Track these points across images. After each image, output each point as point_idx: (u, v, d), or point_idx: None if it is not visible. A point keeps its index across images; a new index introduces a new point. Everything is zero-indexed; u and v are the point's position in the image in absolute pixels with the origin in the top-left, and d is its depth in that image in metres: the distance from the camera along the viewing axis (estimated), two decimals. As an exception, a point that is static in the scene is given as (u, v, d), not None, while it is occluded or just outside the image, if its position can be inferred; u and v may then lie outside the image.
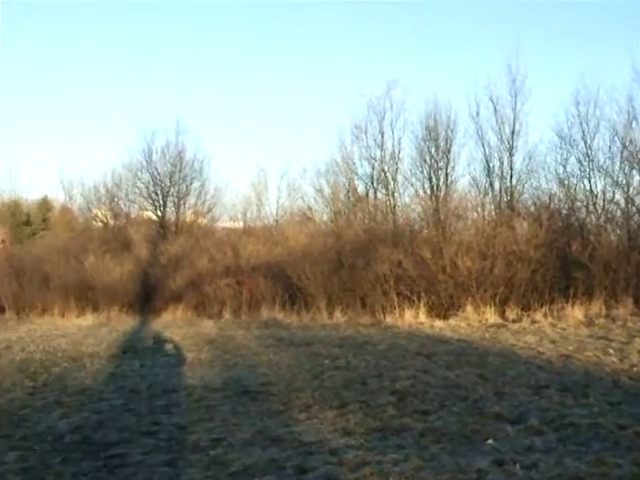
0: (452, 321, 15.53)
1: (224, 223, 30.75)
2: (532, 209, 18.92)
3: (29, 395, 8.42)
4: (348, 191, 26.23)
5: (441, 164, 24.04)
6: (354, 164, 25.93)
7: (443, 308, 16.42)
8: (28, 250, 28.45)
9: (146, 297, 20.45)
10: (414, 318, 16.08)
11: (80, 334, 15.08)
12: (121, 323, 17.85)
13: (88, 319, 19.05)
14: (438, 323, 15.39)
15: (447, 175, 23.95)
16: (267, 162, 45.45)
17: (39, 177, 65.71)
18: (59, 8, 48.37)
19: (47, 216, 42.62)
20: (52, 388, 8.83)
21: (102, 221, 30.58)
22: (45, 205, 43.93)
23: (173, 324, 17.13)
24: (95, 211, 31.58)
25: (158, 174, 28.85)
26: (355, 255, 18.14)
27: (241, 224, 30.65)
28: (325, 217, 26.44)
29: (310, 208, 27.38)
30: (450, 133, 24.11)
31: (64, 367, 10.46)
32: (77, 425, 6.70)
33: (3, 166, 56.73)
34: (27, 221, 42.43)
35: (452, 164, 23.97)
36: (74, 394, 8.36)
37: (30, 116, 56.21)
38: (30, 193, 43.43)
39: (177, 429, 6.46)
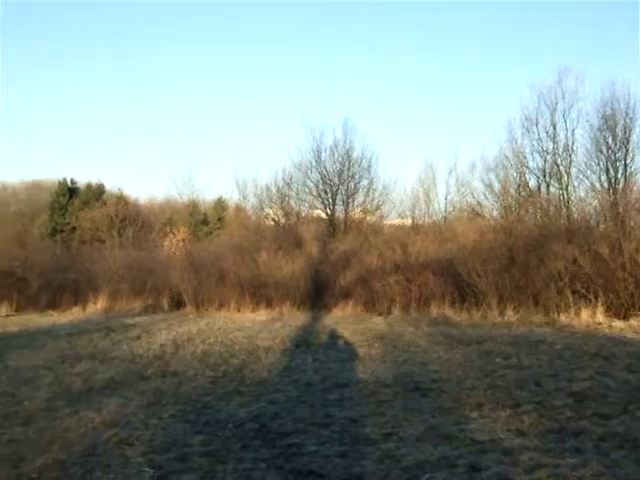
0: (633, 322, 14.69)
1: (392, 220, 30.86)
2: None
3: (210, 384, 8.88)
4: (519, 186, 25.58)
5: (619, 155, 22.88)
6: (525, 158, 25.30)
7: (623, 308, 15.55)
8: (205, 248, 29.93)
9: (317, 293, 20.86)
10: (591, 318, 15.35)
11: (255, 328, 15.64)
12: (293, 318, 18.32)
13: (262, 314, 19.69)
14: (618, 323, 14.62)
15: (626, 166, 22.77)
16: (435, 158, 45.22)
17: (215, 179, 68.99)
18: (216, 7, 50.62)
19: (222, 215, 44.75)
20: (231, 378, 9.25)
21: (274, 220, 31.57)
22: (220, 205, 46.19)
23: (343, 320, 17.39)
24: (267, 210, 32.68)
25: (327, 173, 29.46)
26: (527, 251, 17.57)
27: (409, 221, 30.65)
28: (495, 213, 25.97)
29: (479, 204, 26.96)
30: (629, 121, 22.88)
31: (241, 359, 10.90)
32: (255, 414, 7.01)
33: (183, 169, 60.18)
34: (204, 220, 44.78)
35: (631, 155, 22.75)
36: (251, 385, 8.73)
37: (207, 120, 59.34)
38: (207, 194, 45.85)
39: (349, 422, 6.59)
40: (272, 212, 31.82)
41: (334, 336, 13.94)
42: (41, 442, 6.19)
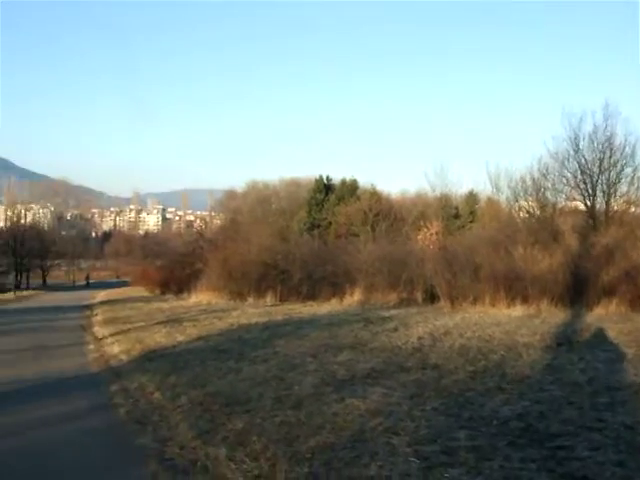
0: None
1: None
2: None
3: (470, 379, 8.79)
4: None
5: None
6: None
7: None
8: (458, 241, 29.82)
9: (576, 290, 19.82)
10: None
11: (512, 324, 15.19)
12: (551, 315, 17.52)
13: (517, 310, 19.07)
14: None
15: None
16: None
17: (466, 172, 68.91)
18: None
19: (474, 209, 44.43)
20: (491, 374, 9.08)
21: (528, 212, 30.56)
22: (472, 198, 45.95)
23: (606, 318, 16.30)
24: (521, 202, 31.69)
25: (586, 162, 27.84)
26: None
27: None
28: None
29: None
30: None
31: (500, 355, 10.64)
32: (519, 412, 6.84)
33: (436, 163, 60.86)
34: (456, 214, 44.73)
35: None
36: (513, 382, 8.51)
37: (459, 114, 59.11)
38: (458, 187, 45.85)
39: (624, 428, 6.18)
40: (527, 204, 30.81)
41: (599, 335, 13.13)
42: (311, 425, 6.56)
